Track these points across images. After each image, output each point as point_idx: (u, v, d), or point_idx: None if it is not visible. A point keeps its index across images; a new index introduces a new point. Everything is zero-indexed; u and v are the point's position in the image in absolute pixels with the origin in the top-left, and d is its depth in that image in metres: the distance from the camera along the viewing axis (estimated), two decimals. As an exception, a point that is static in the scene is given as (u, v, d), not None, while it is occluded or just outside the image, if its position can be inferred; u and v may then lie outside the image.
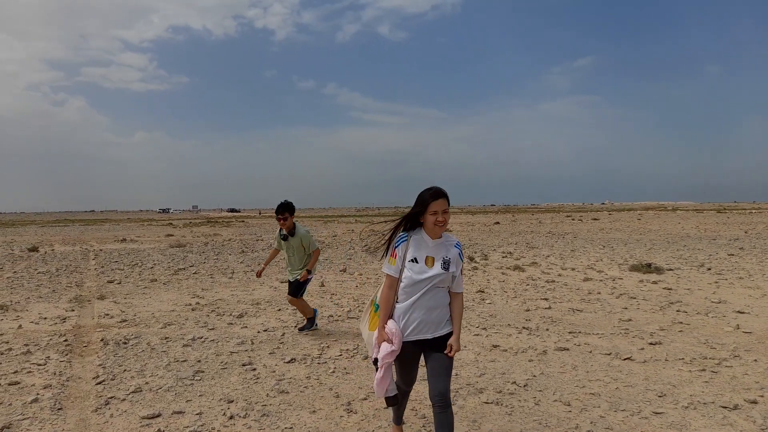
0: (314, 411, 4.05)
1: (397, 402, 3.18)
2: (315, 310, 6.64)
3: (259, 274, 6.75)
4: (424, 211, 2.88)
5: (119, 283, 10.99)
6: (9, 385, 4.61)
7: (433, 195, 2.86)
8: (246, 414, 3.98)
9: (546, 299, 8.49)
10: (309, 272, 6.33)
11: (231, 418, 3.90)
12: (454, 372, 4.47)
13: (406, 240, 2.96)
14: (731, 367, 4.96)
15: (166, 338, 6.25)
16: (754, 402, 4.10)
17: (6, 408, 4.09)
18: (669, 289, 9.30)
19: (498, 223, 39.99)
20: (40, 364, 5.22)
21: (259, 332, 6.53)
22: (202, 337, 6.26)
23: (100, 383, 4.66)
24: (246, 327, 6.83)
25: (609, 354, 5.44)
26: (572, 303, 8.19)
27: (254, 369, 5.07)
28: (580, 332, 6.36)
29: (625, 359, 5.25)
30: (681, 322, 6.81)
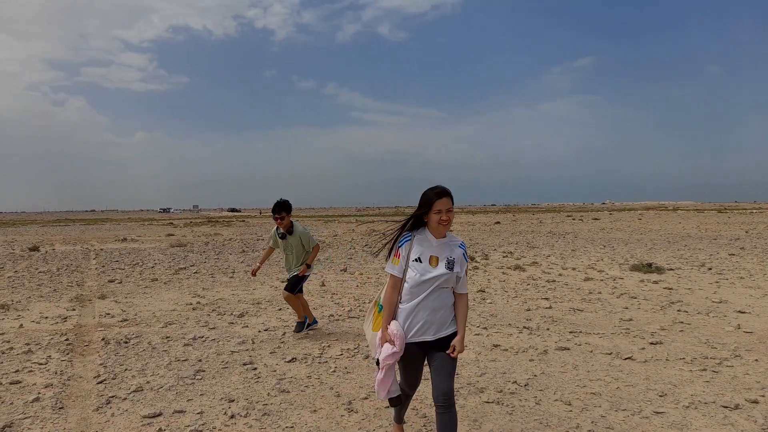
0: (315, 410, 4.05)
1: (400, 403, 3.16)
2: (314, 320, 6.54)
3: (254, 273, 6.72)
4: (428, 211, 2.86)
5: (120, 282, 11.00)
6: (10, 384, 4.62)
7: (437, 194, 2.84)
8: (247, 413, 3.98)
9: (547, 299, 8.49)
10: (308, 267, 6.33)
11: (232, 417, 3.91)
12: (454, 371, 4.47)
13: (409, 239, 2.93)
14: (732, 367, 4.96)
15: (167, 337, 6.26)
16: (755, 402, 4.10)
17: (7, 407, 4.10)
18: (670, 288, 9.29)
19: (498, 222, 40.00)
20: (41, 363, 5.23)
21: (259, 332, 6.54)
22: (203, 337, 6.27)
23: (101, 382, 4.67)
24: (247, 326, 6.84)
25: (610, 353, 5.44)
26: (573, 303, 8.19)
27: (255, 368, 5.07)
28: (580, 332, 6.36)
29: (625, 359, 5.25)
30: (682, 322, 6.80)
